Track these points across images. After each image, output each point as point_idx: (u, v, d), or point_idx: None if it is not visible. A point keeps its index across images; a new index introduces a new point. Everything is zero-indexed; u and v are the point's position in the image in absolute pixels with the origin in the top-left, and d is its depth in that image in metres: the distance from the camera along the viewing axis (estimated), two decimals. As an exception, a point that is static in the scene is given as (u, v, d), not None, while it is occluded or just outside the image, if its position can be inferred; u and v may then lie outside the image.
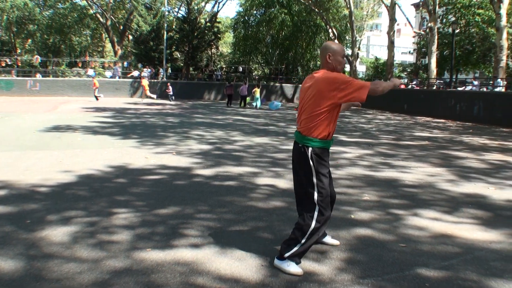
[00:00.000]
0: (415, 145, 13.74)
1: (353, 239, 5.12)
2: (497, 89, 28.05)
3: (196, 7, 50.64)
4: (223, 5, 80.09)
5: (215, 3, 54.86)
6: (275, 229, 5.39)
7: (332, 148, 12.52)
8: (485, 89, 30.58)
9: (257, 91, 32.73)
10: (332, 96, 4.05)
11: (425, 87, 34.87)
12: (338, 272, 4.24)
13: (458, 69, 45.38)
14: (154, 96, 37.76)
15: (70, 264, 4.24)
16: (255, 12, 53.58)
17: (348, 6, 44.15)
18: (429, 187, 8.09)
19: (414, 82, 38.79)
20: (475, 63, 44.09)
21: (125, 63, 48.86)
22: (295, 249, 4.19)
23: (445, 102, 27.65)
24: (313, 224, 4.14)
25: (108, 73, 43.68)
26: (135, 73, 42.83)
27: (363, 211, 6.25)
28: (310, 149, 4.18)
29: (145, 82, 36.55)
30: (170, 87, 37.40)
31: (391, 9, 40.40)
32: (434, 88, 33.78)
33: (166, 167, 9.14)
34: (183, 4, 52.42)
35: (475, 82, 33.56)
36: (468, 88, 32.71)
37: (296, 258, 4.25)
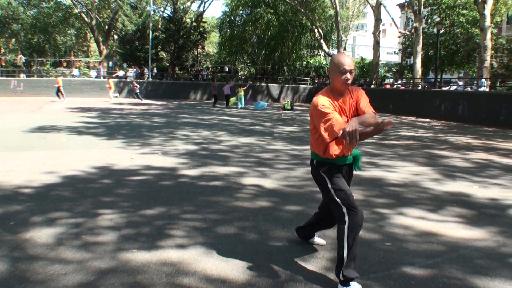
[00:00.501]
0: (400, 145, 13.82)
1: (339, 239, 5.13)
2: (481, 89, 28.31)
3: (182, 7, 50.62)
4: (209, 5, 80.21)
5: (201, 3, 54.82)
6: (261, 229, 5.39)
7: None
8: (469, 89, 30.84)
9: (241, 91, 32.71)
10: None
11: (410, 87, 35.08)
12: (324, 271, 4.25)
13: (442, 69, 45.71)
14: (116, 94, 36.64)
15: (55, 266, 4.21)
16: (241, 12, 53.54)
17: (334, 6, 44.25)
18: (414, 186, 8.15)
19: (400, 82, 39.03)
20: (459, 63, 44.42)
21: (110, 63, 48.61)
22: (345, 264, 3.90)
23: (430, 102, 27.85)
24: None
25: (93, 73, 43.41)
26: (120, 73, 42.62)
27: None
28: (315, 161, 4.20)
29: (111, 82, 35.91)
30: (137, 86, 36.69)
31: (377, 9, 40.58)
32: (419, 88, 34.02)
33: (151, 168, 9.10)
34: (168, 4, 52.31)
35: (460, 82, 33.84)
36: (453, 88, 32.98)
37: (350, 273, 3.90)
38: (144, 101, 35.34)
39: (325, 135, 3.84)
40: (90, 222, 5.49)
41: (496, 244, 5.13)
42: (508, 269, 4.40)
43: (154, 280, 3.97)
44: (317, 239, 5.00)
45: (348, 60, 3.96)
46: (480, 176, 9.26)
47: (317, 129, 3.97)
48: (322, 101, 3.91)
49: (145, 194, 6.97)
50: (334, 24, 48.60)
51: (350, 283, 3.82)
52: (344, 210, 3.95)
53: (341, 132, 3.73)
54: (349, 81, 3.97)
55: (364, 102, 4.11)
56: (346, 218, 3.92)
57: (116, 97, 35.58)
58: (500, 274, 4.27)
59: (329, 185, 4.05)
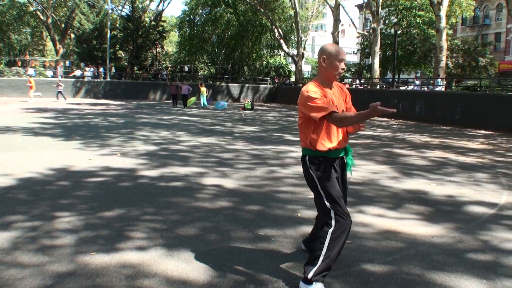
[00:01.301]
0: (360, 144, 14.00)
1: (299, 238, 5.16)
2: (437, 89, 28.95)
3: (140, 6, 50.06)
4: (168, 3, 79.63)
5: (160, 2, 54.30)
6: (222, 230, 5.37)
7: (279, 147, 12.63)
8: (426, 89, 31.50)
9: (203, 90, 32.62)
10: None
11: (369, 87, 35.60)
12: (285, 270, 4.25)
13: (400, 69, 46.57)
14: (38, 94, 35.14)
15: (11, 271, 4.09)
16: (200, 11, 53.40)
17: (294, 6, 44.60)
18: (373, 184, 8.26)
19: (358, 82, 39.54)
20: (416, 63, 45.33)
21: (67, 62, 47.69)
22: (317, 266, 3.79)
23: (388, 101, 28.29)
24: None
25: (49, 73, 42.49)
26: (78, 72, 41.86)
27: (309, 209, 6.31)
28: (307, 157, 4.02)
29: (33, 81, 34.62)
30: (62, 85, 35.27)
31: (336, 10, 41.03)
32: (378, 87, 34.55)
33: (110, 169, 8.97)
34: (127, 2, 51.65)
35: (417, 82, 34.51)
36: (410, 87, 33.62)
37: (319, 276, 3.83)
38: (67, 100, 33.87)
39: (314, 114, 3.75)
40: (47, 225, 5.37)
41: (452, 240, 5.24)
42: (464, 264, 4.50)
43: (114, 282, 3.90)
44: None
45: (343, 50, 3.97)
46: (437, 174, 9.47)
47: (307, 119, 3.89)
48: (312, 88, 3.85)
49: (103, 195, 6.86)
50: (293, 24, 48.98)
51: (314, 283, 3.78)
52: (332, 214, 3.85)
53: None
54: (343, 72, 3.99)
55: (350, 101, 4.19)
56: (333, 222, 3.83)
57: (39, 96, 34.24)
58: (457, 269, 4.36)
59: (319, 187, 3.93)
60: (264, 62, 56.98)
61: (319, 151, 3.92)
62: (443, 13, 30.97)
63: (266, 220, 5.78)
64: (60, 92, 34.18)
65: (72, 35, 53.37)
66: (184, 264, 4.33)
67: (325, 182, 3.90)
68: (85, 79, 40.52)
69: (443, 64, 31.58)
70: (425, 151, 13.06)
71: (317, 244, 3.84)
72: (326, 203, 3.88)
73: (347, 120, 3.75)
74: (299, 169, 9.40)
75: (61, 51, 53.37)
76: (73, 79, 40.24)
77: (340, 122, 3.76)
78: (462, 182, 8.71)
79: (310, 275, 3.75)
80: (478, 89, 26.93)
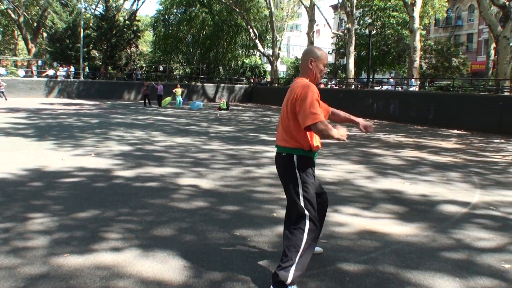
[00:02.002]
0: (335, 143, 14.07)
1: (275, 237, 5.16)
2: (411, 89, 29.27)
3: (114, 5, 49.61)
4: (142, 3, 78.78)
5: (134, 1, 53.96)
6: (197, 230, 5.35)
7: (255, 147, 12.64)
8: (400, 89, 31.83)
9: (178, 91, 32.49)
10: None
11: (343, 87, 35.84)
12: (261, 270, 4.25)
13: (375, 69, 46.95)
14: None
15: (-19, 274, 4.02)
16: (175, 10, 53.12)
17: (269, 6, 44.71)
18: (349, 184, 8.31)
19: (333, 82, 39.78)
20: (390, 63, 45.74)
21: (40, 62, 47.01)
22: (292, 271, 3.72)
23: (363, 101, 28.55)
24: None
25: (21, 72, 41.84)
26: (50, 72, 41.30)
27: (285, 209, 6.32)
28: (295, 156, 3.91)
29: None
30: (3, 84, 34.06)
31: (311, 10, 41.25)
32: (353, 87, 34.80)
33: (84, 169, 8.87)
34: (100, 1, 51.17)
35: (392, 81, 34.84)
36: (385, 87, 33.93)
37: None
38: (8, 100, 32.57)
39: (320, 116, 3.69)
40: (19, 227, 5.28)
41: (426, 239, 5.30)
42: (437, 262, 4.56)
43: (88, 284, 3.85)
44: (317, 248, 4.69)
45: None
46: (411, 173, 9.57)
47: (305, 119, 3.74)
48: (315, 89, 3.80)
49: (77, 196, 6.78)
50: (269, 24, 49.07)
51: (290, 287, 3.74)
52: (307, 220, 3.83)
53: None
54: None
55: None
56: (307, 228, 3.81)
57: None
58: (430, 267, 4.41)
59: (300, 190, 3.86)
60: (240, 62, 56.96)
61: (310, 150, 3.90)
62: (416, 14, 31.34)
63: (242, 220, 5.78)
64: (2, 92, 32.98)
65: (45, 34, 52.60)
66: (160, 265, 4.30)
67: (307, 186, 3.88)
68: (58, 79, 39.99)
69: (416, 64, 31.95)
70: (399, 150, 13.20)
71: (290, 248, 3.77)
72: (304, 207, 3.85)
73: (327, 134, 3.72)
74: (275, 169, 9.39)
75: (33, 50, 52.63)
76: (46, 79, 39.69)
77: (321, 132, 3.72)
78: (435, 181, 8.82)
79: (288, 281, 3.70)
80: (451, 89, 27.33)
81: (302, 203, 3.86)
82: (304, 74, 4.00)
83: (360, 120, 4.20)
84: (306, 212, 3.85)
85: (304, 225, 3.83)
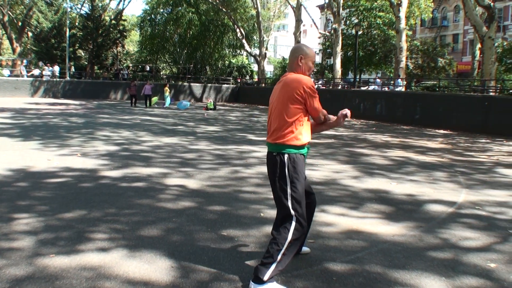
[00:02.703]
0: (322, 143, 14.11)
1: (262, 237, 5.16)
2: (398, 89, 29.42)
3: (100, 4, 49.34)
4: (129, 2, 78.75)
5: (120, 0, 53.69)
6: (185, 230, 5.33)
7: (242, 147, 12.63)
8: (386, 89, 31.98)
9: (166, 90, 32.38)
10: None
11: (330, 87, 35.92)
12: (248, 270, 4.24)
13: (361, 69, 47.11)
14: None
15: (-35, 275, 3.97)
16: (162, 10, 52.86)
17: (256, 6, 44.70)
18: (336, 184, 8.34)
19: (320, 82, 39.87)
20: (377, 63, 45.93)
21: (25, 61, 46.62)
22: (272, 268, 3.80)
23: (350, 101, 28.61)
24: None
25: (6, 71, 41.45)
26: (36, 71, 40.97)
27: (273, 209, 6.31)
28: (286, 156, 3.92)
29: None
30: None
31: (297, 10, 41.32)
32: (339, 87, 34.90)
33: (70, 169, 8.80)
34: (86, 1, 50.83)
35: (378, 81, 35.00)
36: (371, 87, 34.07)
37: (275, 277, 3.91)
38: None
39: (318, 106, 3.99)
40: (4, 227, 5.23)
41: (413, 238, 5.33)
42: (424, 261, 4.58)
43: (74, 285, 3.82)
44: (304, 248, 4.74)
45: None
46: (397, 173, 9.62)
47: (299, 111, 3.88)
48: (312, 82, 3.95)
49: (64, 196, 6.73)
50: (255, 24, 49.06)
51: (267, 283, 3.77)
52: (294, 220, 3.86)
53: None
54: None
55: None
56: (292, 227, 3.85)
57: None
58: (417, 267, 4.43)
59: (289, 190, 3.88)
60: (227, 62, 56.88)
61: (302, 146, 3.93)
62: (402, 14, 31.52)
63: (229, 220, 5.77)
64: None
65: (30, 34, 52.17)
66: (147, 265, 4.28)
67: (297, 185, 3.89)
68: (44, 78, 39.69)
69: (403, 64, 32.13)
70: (386, 150, 13.26)
71: (273, 246, 3.82)
72: (291, 207, 3.87)
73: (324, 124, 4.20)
74: (262, 169, 9.41)
75: (18, 49, 52.16)
76: (31, 78, 39.36)
77: (321, 122, 4.13)
78: (422, 181, 8.88)
79: (265, 278, 3.76)
80: (437, 89, 27.50)
81: (289, 203, 3.87)
82: (293, 71, 4.04)
83: (338, 116, 4.25)
84: (293, 212, 3.86)
85: (290, 225, 3.86)
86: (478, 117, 21.19)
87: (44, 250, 4.57)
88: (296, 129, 3.90)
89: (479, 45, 35.69)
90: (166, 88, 32.73)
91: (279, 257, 3.79)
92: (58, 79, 40.32)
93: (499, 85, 26.92)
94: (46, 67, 41.45)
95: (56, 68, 41.34)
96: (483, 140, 17.44)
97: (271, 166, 4.00)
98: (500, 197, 7.67)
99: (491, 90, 24.85)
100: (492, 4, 25.53)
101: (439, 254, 4.83)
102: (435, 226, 5.84)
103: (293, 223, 3.86)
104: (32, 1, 47.27)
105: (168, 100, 32.26)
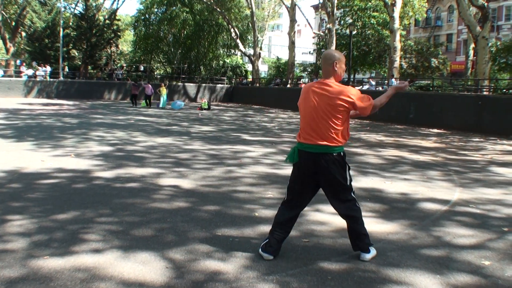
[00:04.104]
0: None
1: (257, 237, 5.16)
2: (391, 88, 29.40)
3: (94, 4, 49.20)
4: (123, 2, 78.48)
5: (114, 0, 53.55)
6: (179, 230, 5.32)
7: (236, 147, 12.63)
8: (380, 89, 32.01)
9: (163, 90, 32.32)
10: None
11: (324, 87, 35.84)
12: (243, 270, 4.25)
13: (355, 69, 47.14)
14: None
15: (-42, 277, 3.95)
16: (156, 10, 52.83)
17: (250, 6, 44.72)
18: (330, 183, 8.32)
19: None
20: (371, 63, 45.97)
21: (18, 61, 46.42)
22: (367, 237, 4.65)
23: (344, 101, 28.58)
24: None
25: (-1, 71, 41.29)
26: (29, 71, 40.81)
27: (267, 209, 6.33)
28: (342, 153, 4.54)
29: None
30: None
31: (292, 10, 41.36)
32: (333, 87, 34.83)
33: (64, 170, 8.77)
34: (80, 1, 50.67)
35: (372, 82, 35.06)
36: (365, 87, 34.10)
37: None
38: None
39: (369, 103, 4.56)
40: (-3, 229, 5.21)
41: (407, 236, 5.34)
42: (418, 260, 4.59)
43: (68, 287, 3.81)
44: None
45: None
46: (391, 172, 9.64)
47: (347, 114, 4.47)
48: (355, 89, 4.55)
49: (57, 198, 6.70)
50: (250, 24, 49.10)
51: (370, 248, 4.67)
52: (357, 203, 4.69)
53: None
54: None
55: None
56: (358, 210, 4.66)
57: None
58: (412, 265, 4.44)
59: (349, 182, 4.59)
60: (221, 62, 56.86)
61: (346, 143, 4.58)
62: (396, 14, 31.59)
63: (224, 220, 5.76)
64: None
65: (23, 34, 51.94)
66: (141, 266, 4.27)
67: (351, 176, 4.68)
68: (37, 79, 39.55)
69: (397, 64, 32.20)
70: (380, 149, 13.29)
71: (356, 226, 4.60)
72: (353, 195, 4.67)
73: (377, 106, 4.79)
74: (256, 168, 9.41)
75: (12, 49, 51.92)
76: (24, 79, 39.21)
77: (374, 108, 4.70)
78: (416, 180, 8.90)
79: (366, 245, 4.61)
80: (431, 89, 27.57)
81: (352, 193, 4.70)
82: (329, 76, 4.53)
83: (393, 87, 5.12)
84: (354, 197, 4.71)
85: (356, 211, 4.67)
86: (471, 116, 21.25)
87: (37, 252, 4.55)
88: (347, 130, 4.63)
89: (472, 45, 35.79)
90: (162, 87, 32.59)
91: (363, 231, 4.63)
92: (51, 80, 40.17)
93: (492, 85, 27.05)
94: (39, 67, 41.29)
95: (48, 68, 41.18)
96: (477, 139, 17.50)
97: (335, 168, 4.47)
98: (493, 195, 7.70)
99: (484, 90, 24.95)
100: (486, 4, 25.63)
101: (433, 252, 4.84)
102: (429, 224, 5.85)
103: (358, 206, 4.67)
104: (26, 1, 47.08)
105: (163, 101, 32.11)
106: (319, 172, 4.44)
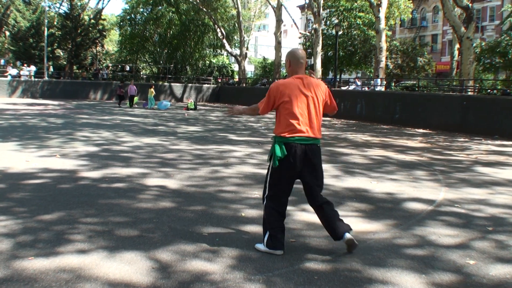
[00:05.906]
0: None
1: (243, 236, 5.16)
2: (378, 89, 29.62)
3: (79, 3, 48.90)
4: (108, 1, 78.11)
5: (100, 0, 53.25)
6: (165, 230, 5.31)
7: (222, 147, 12.62)
8: (366, 89, 32.16)
9: (151, 91, 32.17)
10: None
11: (311, 87, 35.92)
12: (230, 270, 4.24)
13: (341, 69, 47.31)
14: None
15: None
16: (141, 9, 52.63)
17: (236, 6, 44.71)
18: (316, 183, 8.34)
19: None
20: (357, 63, 46.16)
21: (2, 61, 45.99)
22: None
23: (330, 101, 28.70)
24: None
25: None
26: (13, 71, 40.44)
27: (253, 209, 6.33)
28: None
29: None
30: None
31: (278, 10, 41.41)
32: (319, 87, 34.92)
33: (49, 171, 8.70)
34: (65, 0, 50.31)
35: (358, 82, 35.21)
36: (352, 87, 34.25)
37: None
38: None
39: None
40: (-19, 230, 5.15)
41: (392, 236, 5.37)
42: (404, 259, 4.62)
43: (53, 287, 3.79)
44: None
45: None
46: (377, 172, 9.69)
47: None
48: None
49: (42, 198, 6.65)
50: (236, 24, 49.09)
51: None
52: None
53: None
54: None
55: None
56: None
57: None
58: (397, 265, 4.47)
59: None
60: (207, 62, 56.81)
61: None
62: (382, 14, 31.75)
63: (210, 221, 5.75)
64: None
65: (7, 33, 51.48)
66: (127, 266, 4.25)
67: None
68: (22, 78, 39.21)
69: (383, 64, 32.36)
70: (366, 149, 13.35)
71: (335, 214, 4.77)
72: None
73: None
74: (242, 168, 9.41)
75: (-4, 49, 51.51)
76: (8, 78, 38.85)
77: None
78: (401, 179, 8.95)
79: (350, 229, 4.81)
80: (416, 89, 27.78)
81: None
82: (302, 72, 4.79)
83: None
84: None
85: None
86: (456, 116, 21.42)
87: (22, 253, 4.51)
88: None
89: (457, 46, 36.04)
90: (152, 89, 32.38)
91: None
92: (36, 79, 39.84)
93: (477, 85, 27.29)
94: (24, 67, 40.94)
95: (33, 68, 40.84)
96: (462, 139, 17.65)
97: (318, 158, 4.74)
98: (478, 195, 7.77)
99: (469, 90, 25.16)
100: (470, 5, 25.85)
101: (419, 251, 4.87)
102: (415, 224, 5.89)
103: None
104: (10, 0, 46.64)
105: (151, 102, 31.93)
106: (306, 162, 4.61)
